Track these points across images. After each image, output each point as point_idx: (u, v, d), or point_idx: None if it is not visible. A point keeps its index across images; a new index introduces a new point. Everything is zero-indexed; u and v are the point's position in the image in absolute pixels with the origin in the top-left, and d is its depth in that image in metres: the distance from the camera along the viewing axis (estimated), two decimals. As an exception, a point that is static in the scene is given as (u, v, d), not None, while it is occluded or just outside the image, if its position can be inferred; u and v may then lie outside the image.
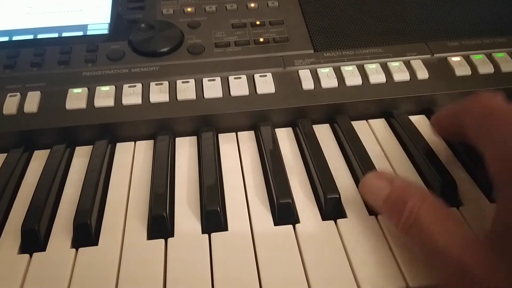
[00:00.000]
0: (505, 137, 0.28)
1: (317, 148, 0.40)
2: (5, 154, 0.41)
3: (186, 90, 0.44)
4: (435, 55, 0.48)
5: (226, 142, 0.43)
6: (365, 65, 0.47)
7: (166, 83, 0.45)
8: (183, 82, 0.45)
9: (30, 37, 0.51)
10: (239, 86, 0.45)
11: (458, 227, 0.27)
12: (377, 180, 0.32)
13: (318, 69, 0.46)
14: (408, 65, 0.47)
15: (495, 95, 0.31)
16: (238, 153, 0.41)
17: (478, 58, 0.48)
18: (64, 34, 0.51)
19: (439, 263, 0.27)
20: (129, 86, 0.45)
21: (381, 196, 0.30)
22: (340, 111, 0.44)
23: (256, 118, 0.44)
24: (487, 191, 0.36)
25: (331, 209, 0.35)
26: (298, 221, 0.34)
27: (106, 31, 0.51)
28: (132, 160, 0.41)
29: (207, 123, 0.43)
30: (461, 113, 0.32)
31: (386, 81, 0.46)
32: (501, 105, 0.30)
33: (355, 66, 0.47)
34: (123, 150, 0.42)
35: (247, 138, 0.43)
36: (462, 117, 0.32)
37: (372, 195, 0.32)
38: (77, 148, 0.43)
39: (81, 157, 0.41)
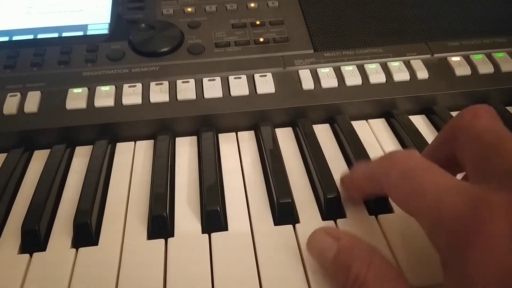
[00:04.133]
0: (430, 201, 0.24)
1: (317, 148, 0.40)
2: (5, 154, 0.41)
3: (186, 90, 0.44)
4: (435, 55, 0.48)
5: (226, 142, 0.43)
6: (365, 65, 0.47)
7: (166, 83, 0.45)
8: (183, 82, 0.45)
9: (30, 37, 0.51)
10: (239, 86, 0.45)
11: None
12: (323, 237, 0.29)
13: (318, 69, 0.46)
14: (408, 65, 0.47)
15: (410, 152, 0.28)
16: (238, 153, 0.41)
17: (478, 58, 0.48)
18: (64, 34, 0.51)
19: None
20: (129, 86, 0.45)
21: (329, 257, 0.27)
22: (340, 111, 0.44)
23: (256, 118, 0.44)
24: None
25: (331, 209, 0.35)
26: (298, 221, 0.34)
27: (106, 31, 0.51)
28: (132, 160, 0.41)
29: (207, 123, 0.43)
30: (379, 177, 0.29)
31: (386, 81, 0.46)
32: (417, 163, 0.27)
33: (355, 66, 0.47)
34: (123, 150, 0.42)
35: (247, 138, 0.43)
36: (380, 181, 0.28)
37: (318, 255, 0.29)
38: (77, 148, 0.43)
39: (81, 157, 0.42)
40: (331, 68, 0.46)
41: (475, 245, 0.21)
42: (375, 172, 0.30)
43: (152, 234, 0.34)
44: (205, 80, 0.45)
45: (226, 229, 0.34)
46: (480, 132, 0.26)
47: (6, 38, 0.50)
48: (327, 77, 0.45)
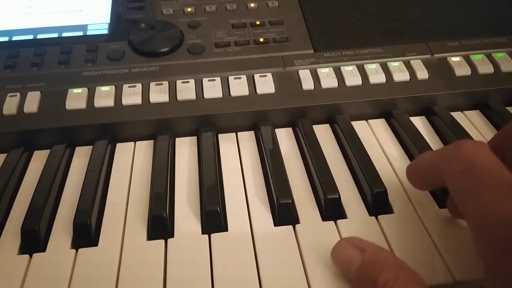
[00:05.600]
0: (485, 204, 0.23)
1: (317, 148, 0.40)
2: (5, 154, 0.41)
3: (186, 90, 0.44)
4: (435, 55, 0.48)
5: (226, 142, 0.43)
6: (365, 65, 0.47)
7: (166, 83, 0.45)
8: (183, 82, 0.45)
9: (30, 37, 0.51)
10: (239, 86, 0.45)
11: None
12: (348, 249, 0.28)
13: (318, 69, 0.46)
14: (408, 65, 0.47)
15: (479, 146, 0.26)
16: (238, 153, 0.41)
17: (478, 58, 0.48)
18: (64, 34, 0.51)
19: None
20: (129, 86, 0.45)
21: (353, 268, 0.27)
22: (340, 111, 0.44)
23: (256, 118, 0.44)
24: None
25: (331, 209, 0.35)
26: (298, 222, 0.34)
27: (106, 31, 0.51)
28: (132, 160, 0.41)
29: (207, 123, 0.43)
30: (442, 165, 0.28)
31: (386, 81, 0.46)
32: (484, 161, 0.25)
33: (355, 66, 0.47)
34: (123, 150, 0.42)
35: (247, 138, 0.43)
36: (442, 170, 0.27)
37: (343, 266, 0.29)
38: (77, 148, 0.43)
39: (81, 157, 0.42)
40: (331, 68, 0.46)
41: None
42: (438, 160, 0.28)
43: (152, 234, 0.34)
44: (205, 80, 0.45)
45: (226, 230, 0.34)
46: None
47: (6, 38, 0.50)
48: (327, 77, 0.45)
